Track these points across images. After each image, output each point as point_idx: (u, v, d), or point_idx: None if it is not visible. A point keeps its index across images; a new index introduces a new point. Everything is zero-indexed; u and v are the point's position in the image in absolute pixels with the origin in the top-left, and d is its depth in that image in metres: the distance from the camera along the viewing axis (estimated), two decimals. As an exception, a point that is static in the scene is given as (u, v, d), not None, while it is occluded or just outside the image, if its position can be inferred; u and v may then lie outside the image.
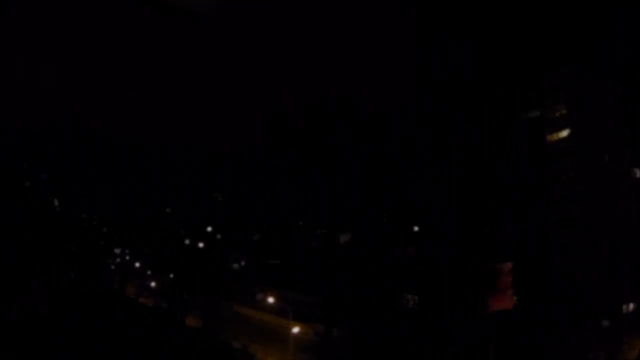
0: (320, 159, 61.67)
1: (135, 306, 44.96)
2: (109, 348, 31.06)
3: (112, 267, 63.67)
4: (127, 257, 62.28)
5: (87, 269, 60.54)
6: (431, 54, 51.33)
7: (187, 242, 65.85)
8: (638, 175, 44.45)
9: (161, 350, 31.99)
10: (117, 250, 68.24)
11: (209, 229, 71.98)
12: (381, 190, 55.84)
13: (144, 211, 78.22)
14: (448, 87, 50.40)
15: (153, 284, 53.19)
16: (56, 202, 67.84)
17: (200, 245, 62.81)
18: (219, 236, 67.28)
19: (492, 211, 47.03)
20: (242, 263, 51.26)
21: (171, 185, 77.61)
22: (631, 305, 39.63)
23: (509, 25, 46.38)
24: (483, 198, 47.46)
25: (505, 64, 47.25)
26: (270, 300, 40.46)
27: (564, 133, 42.62)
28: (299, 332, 34.74)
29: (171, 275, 52.31)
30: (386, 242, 53.18)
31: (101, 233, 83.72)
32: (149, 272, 54.85)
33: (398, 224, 54.82)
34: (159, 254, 61.17)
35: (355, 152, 57.29)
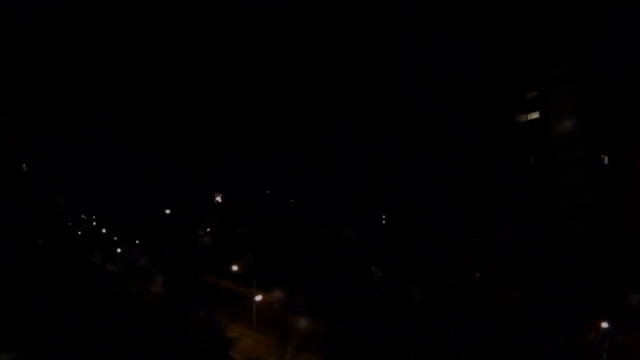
0: (320, 159, 61.71)
1: (135, 306, 45.04)
2: (109, 348, 31.18)
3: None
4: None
5: (87, 269, 60.69)
6: (431, 54, 51.33)
7: (187, 242, 65.89)
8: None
9: (161, 350, 32.08)
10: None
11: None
12: (381, 190, 55.85)
13: (144, 211, 78.24)
14: (448, 87, 50.43)
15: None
16: (56, 202, 67.94)
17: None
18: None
19: (492, 211, 47.07)
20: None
21: (171, 185, 77.62)
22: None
23: (509, 25, 46.33)
24: (483, 198, 47.51)
25: (505, 64, 47.24)
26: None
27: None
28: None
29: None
30: (386, 242, 53.22)
31: (101, 233, 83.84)
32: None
33: (398, 224, 54.87)
34: (160, 255, 61.19)
35: (355, 152, 57.32)
